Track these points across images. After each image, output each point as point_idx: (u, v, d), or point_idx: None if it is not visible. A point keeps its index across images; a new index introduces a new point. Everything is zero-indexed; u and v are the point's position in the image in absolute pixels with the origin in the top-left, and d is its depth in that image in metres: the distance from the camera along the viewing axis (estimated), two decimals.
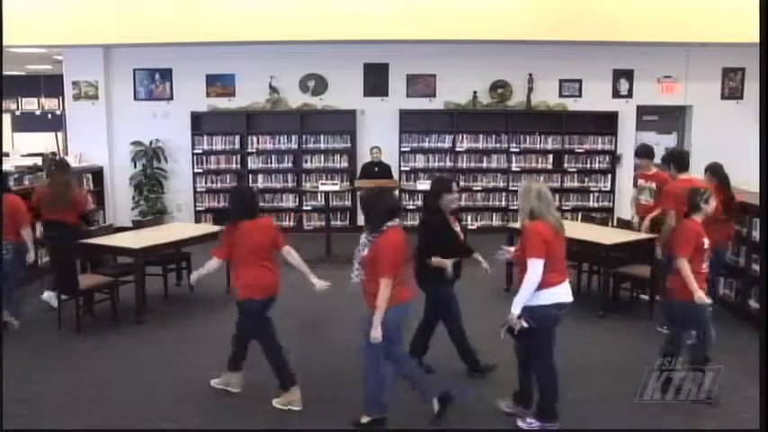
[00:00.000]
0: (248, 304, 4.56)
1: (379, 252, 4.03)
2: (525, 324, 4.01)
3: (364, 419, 4.23)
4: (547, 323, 4.08)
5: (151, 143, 10.65)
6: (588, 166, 10.64)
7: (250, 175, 10.68)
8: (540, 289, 4.01)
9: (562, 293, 4.12)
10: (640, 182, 7.03)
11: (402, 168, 10.48)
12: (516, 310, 4.01)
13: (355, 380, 4.97)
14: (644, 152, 7.06)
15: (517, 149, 10.58)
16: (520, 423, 4.29)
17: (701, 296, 4.53)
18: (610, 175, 10.60)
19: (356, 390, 4.79)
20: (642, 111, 10.80)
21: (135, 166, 10.66)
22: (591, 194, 10.69)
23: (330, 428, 4.37)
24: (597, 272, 7.11)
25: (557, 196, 10.65)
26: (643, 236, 6.53)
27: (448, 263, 4.68)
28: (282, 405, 4.53)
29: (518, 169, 10.61)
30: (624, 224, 7.45)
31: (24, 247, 6.12)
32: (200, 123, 10.66)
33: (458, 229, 4.88)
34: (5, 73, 13.38)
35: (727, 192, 5.98)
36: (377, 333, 3.97)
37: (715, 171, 6.05)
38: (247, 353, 4.74)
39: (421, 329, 5.05)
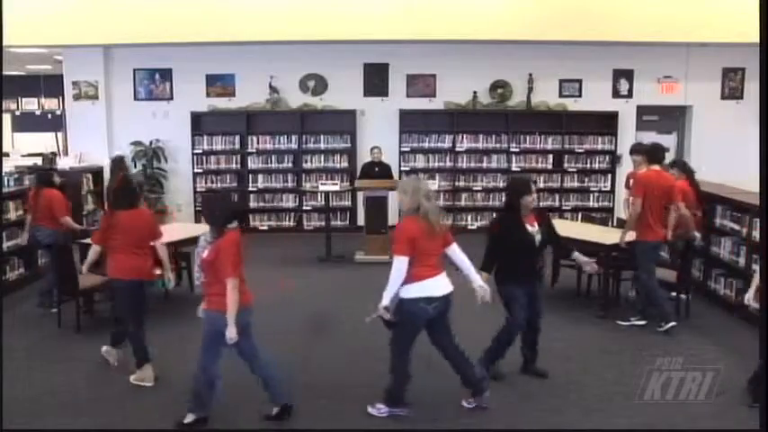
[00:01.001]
0: (115, 283, 5.01)
1: (222, 254, 4.04)
2: (389, 316, 4.23)
3: (189, 419, 4.23)
4: (412, 316, 4.26)
5: (151, 143, 10.66)
6: (588, 166, 10.64)
7: (250, 175, 10.68)
8: (410, 283, 4.24)
9: (432, 287, 4.31)
10: (632, 180, 7.01)
11: (402, 168, 10.49)
12: (384, 302, 4.21)
13: (355, 379, 4.98)
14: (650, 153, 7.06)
15: (517, 149, 10.58)
16: (370, 409, 4.42)
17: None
18: (610, 175, 10.60)
19: (356, 390, 4.80)
20: (642, 111, 10.80)
21: (135, 167, 10.65)
22: (591, 194, 10.69)
23: (330, 428, 4.36)
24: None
25: (557, 196, 10.67)
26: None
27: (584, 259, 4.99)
28: (137, 381, 4.90)
29: (518, 169, 10.61)
30: (624, 224, 7.45)
31: (68, 233, 6.70)
32: (200, 123, 10.66)
33: (534, 228, 4.78)
34: (5, 73, 13.39)
35: (695, 184, 6.61)
36: (232, 333, 4.03)
37: (682, 166, 6.71)
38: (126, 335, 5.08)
39: (523, 336, 5.02)
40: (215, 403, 4.27)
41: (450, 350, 4.48)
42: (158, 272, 5.29)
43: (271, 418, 4.32)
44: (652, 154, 6.22)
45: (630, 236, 6.12)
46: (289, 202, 10.79)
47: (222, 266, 4.01)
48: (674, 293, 6.38)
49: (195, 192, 10.67)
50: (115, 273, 4.94)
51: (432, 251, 4.37)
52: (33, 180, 7.26)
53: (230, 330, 4.02)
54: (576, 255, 4.96)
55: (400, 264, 4.25)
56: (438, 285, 4.35)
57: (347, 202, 10.64)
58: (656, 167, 6.14)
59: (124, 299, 4.94)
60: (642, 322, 6.14)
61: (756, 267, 4.54)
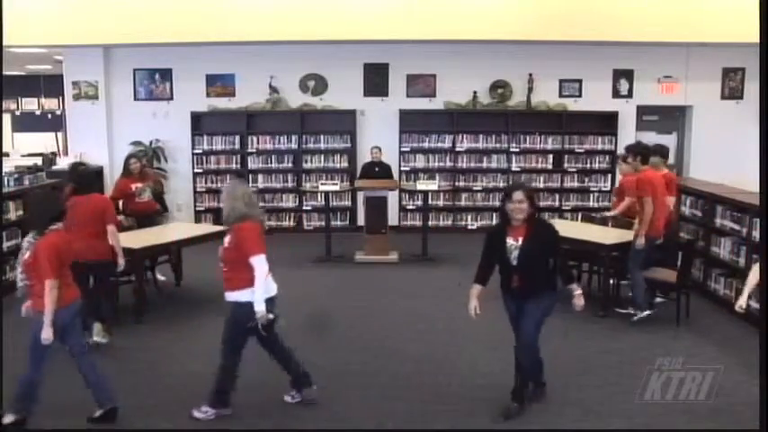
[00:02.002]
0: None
1: (39, 255, 4.04)
2: (272, 315, 4.26)
3: (8, 419, 4.23)
4: (250, 317, 4.21)
5: (151, 143, 10.66)
6: (588, 166, 10.64)
7: (250, 175, 10.68)
8: (250, 286, 4.20)
9: (271, 288, 4.36)
10: (621, 184, 7.27)
11: (402, 168, 10.49)
12: (262, 306, 4.18)
13: (355, 379, 4.98)
14: (657, 152, 7.11)
15: (517, 149, 10.58)
16: (195, 413, 4.39)
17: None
18: (610, 175, 10.59)
19: (353, 390, 4.80)
20: (642, 111, 10.80)
21: None
22: (591, 194, 10.69)
23: (329, 428, 4.36)
24: (597, 272, 7.12)
25: (557, 196, 10.66)
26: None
27: None
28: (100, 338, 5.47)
29: (518, 169, 10.61)
30: (624, 224, 7.47)
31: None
32: (200, 123, 10.66)
33: (516, 242, 4.33)
34: (5, 73, 13.40)
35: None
36: (47, 334, 4.04)
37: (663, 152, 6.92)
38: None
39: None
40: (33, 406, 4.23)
41: (275, 347, 4.51)
42: None
43: (92, 419, 4.27)
44: (645, 155, 6.36)
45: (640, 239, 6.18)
46: (289, 202, 10.79)
47: (40, 269, 4.02)
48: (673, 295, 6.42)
49: (195, 192, 10.67)
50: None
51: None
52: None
53: (46, 331, 4.04)
54: (574, 287, 4.46)
55: (264, 261, 4.27)
56: (272, 285, 4.41)
57: (347, 202, 10.64)
58: (647, 167, 6.32)
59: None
60: (647, 312, 6.18)
61: (751, 272, 4.52)
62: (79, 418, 4.31)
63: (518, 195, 4.26)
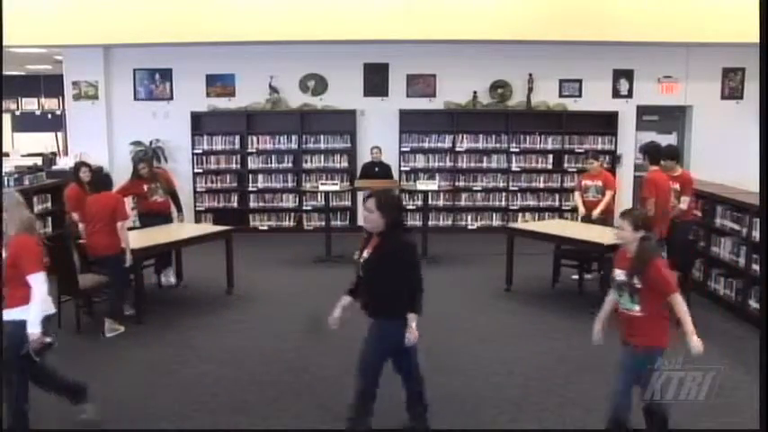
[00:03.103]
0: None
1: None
2: (48, 339, 3.91)
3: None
4: (23, 340, 3.83)
5: (151, 143, 10.66)
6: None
7: (250, 175, 10.68)
8: (23, 303, 3.83)
9: (48, 306, 4.00)
10: (585, 182, 7.70)
11: (402, 168, 10.49)
12: (37, 328, 3.83)
13: (354, 380, 4.98)
14: (668, 154, 7.15)
15: (517, 149, 10.58)
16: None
17: None
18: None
19: (353, 390, 4.80)
20: (642, 111, 10.80)
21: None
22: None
23: (329, 428, 4.36)
24: (597, 271, 7.13)
25: (556, 196, 10.66)
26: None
27: None
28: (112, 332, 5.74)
29: (518, 169, 10.62)
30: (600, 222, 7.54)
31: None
32: (200, 123, 10.66)
33: (365, 255, 3.99)
34: (5, 73, 13.40)
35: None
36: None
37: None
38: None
39: None
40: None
41: (42, 369, 4.08)
42: None
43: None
44: (652, 155, 6.41)
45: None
46: (289, 202, 10.79)
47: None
48: None
49: (195, 192, 10.67)
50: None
51: None
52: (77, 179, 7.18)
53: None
54: (411, 316, 3.90)
55: (43, 279, 3.89)
56: (50, 305, 4.06)
57: (347, 202, 10.64)
58: (656, 168, 6.36)
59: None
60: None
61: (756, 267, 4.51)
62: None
63: (369, 203, 3.89)
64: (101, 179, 6.45)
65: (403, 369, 4.16)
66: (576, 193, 8.06)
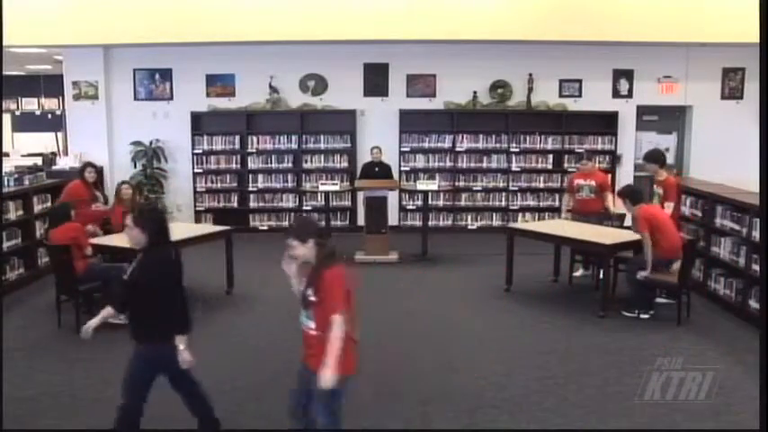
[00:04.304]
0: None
1: None
2: None
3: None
4: None
5: (151, 143, 10.66)
6: None
7: (250, 175, 10.68)
8: None
9: None
10: (578, 181, 7.76)
11: (402, 168, 10.49)
12: None
13: (354, 380, 4.98)
14: (650, 157, 7.24)
15: (517, 149, 10.58)
16: None
17: None
18: (610, 176, 10.56)
19: (353, 390, 4.80)
20: (642, 111, 10.80)
21: (135, 167, 10.66)
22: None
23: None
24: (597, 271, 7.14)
25: (556, 196, 10.66)
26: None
27: None
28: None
29: (518, 169, 10.62)
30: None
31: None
32: (200, 123, 10.66)
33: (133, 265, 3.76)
34: (5, 73, 13.39)
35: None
36: None
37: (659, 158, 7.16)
38: None
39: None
40: None
41: None
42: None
43: None
44: (634, 198, 6.47)
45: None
46: (289, 202, 10.79)
47: None
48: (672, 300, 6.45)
49: (195, 192, 10.68)
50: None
51: None
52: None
53: None
54: (179, 338, 3.65)
55: None
56: None
57: (347, 202, 10.64)
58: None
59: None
60: (646, 315, 6.27)
61: (756, 267, 4.50)
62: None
63: (128, 220, 3.67)
64: (58, 213, 6.45)
65: (181, 389, 3.87)
66: (567, 195, 8.18)
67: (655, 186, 7.05)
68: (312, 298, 3.32)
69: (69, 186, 7.45)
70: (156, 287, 3.55)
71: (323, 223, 9.67)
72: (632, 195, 6.46)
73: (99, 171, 7.47)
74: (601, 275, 7.08)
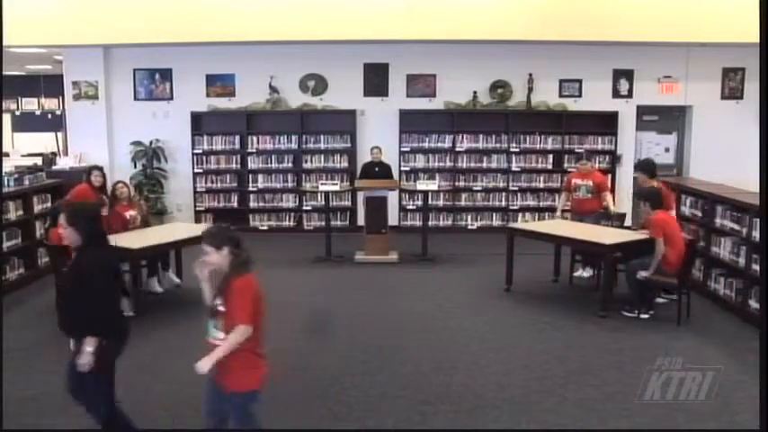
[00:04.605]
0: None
1: None
2: None
3: None
4: None
5: (151, 143, 10.66)
6: None
7: (250, 175, 10.68)
8: None
9: None
10: (575, 180, 7.83)
11: (402, 168, 10.49)
12: None
13: (354, 379, 4.98)
14: (639, 166, 7.36)
15: (517, 149, 10.58)
16: None
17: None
18: (610, 176, 10.58)
19: (353, 390, 4.81)
20: (642, 111, 10.80)
21: (135, 167, 10.66)
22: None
23: (329, 428, 4.36)
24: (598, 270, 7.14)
25: (556, 196, 10.65)
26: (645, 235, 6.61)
27: None
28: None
29: (518, 169, 10.62)
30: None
31: None
32: (200, 123, 10.66)
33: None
34: (5, 73, 13.39)
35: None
36: None
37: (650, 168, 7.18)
38: None
39: None
40: None
41: None
42: None
43: None
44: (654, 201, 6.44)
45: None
46: (289, 202, 10.79)
47: None
48: (673, 295, 6.44)
49: (195, 192, 10.68)
50: None
51: None
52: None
53: None
54: (87, 340, 3.53)
55: None
56: None
57: (347, 202, 10.64)
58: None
59: None
60: (646, 315, 6.29)
61: (756, 267, 4.50)
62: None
63: (61, 219, 3.64)
64: (59, 213, 6.41)
65: (80, 398, 3.72)
66: (564, 194, 8.19)
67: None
68: (221, 308, 3.25)
69: (76, 190, 7.39)
70: (87, 287, 3.45)
71: (322, 223, 9.70)
72: (653, 199, 6.42)
73: (105, 175, 7.43)
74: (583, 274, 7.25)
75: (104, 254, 3.60)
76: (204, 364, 3.20)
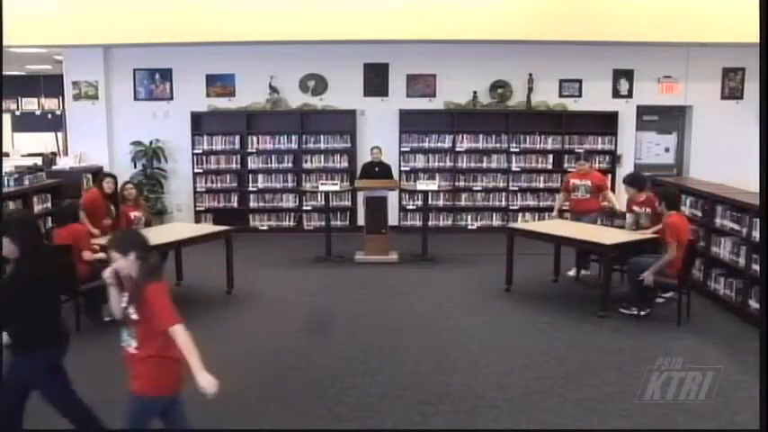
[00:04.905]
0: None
1: None
2: None
3: None
4: None
5: (151, 143, 10.66)
6: None
7: (250, 175, 10.68)
8: None
9: None
10: (574, 181, 7.85)
11: (402, 168, 10.49)
12: None
13: (354, 379, 4.99)
14: (626, 180, 7.30)
15: (517, 149, 10.58)
16: None
17: None
18: (610, 176, 10.58)
19: (353, 390, 4.81)
20: (642, 111, 10.80)
21: (135, 167, 10.66)
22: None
23: (329, 428, 4.36)
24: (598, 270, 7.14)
25: (556, 196, 10.64)
26: (646, 235, 6.61)
27: None
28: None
29: (518, 169, 10.62)
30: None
31: None
32: (200, 123, 10.66)
33: None
34: (5, 73, 13.40)
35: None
36: None
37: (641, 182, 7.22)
38: None
39: None
40: None
41: None
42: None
43: None
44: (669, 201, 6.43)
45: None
46: (289, 202, 10.79)
47: None
48: (671, 293, 6.45)
49: (195, 192, 10.68)
50: None
51: None
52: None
53: None
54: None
55: None
56: None
57: (347, 202, 10.64)
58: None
59: None
60: (644, 312, 6.31)
61: (756, 267, 4.50)
62: None
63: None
64: (65, 212, 6.45)
65: (51, 401, 3.76)
66: (562, 194, 8.21)
67: (635, 207, 7.00)
68: (134, 316, 3.19)
69: (87, 196, 7.38)
70: (23, 298, 3.41)
71: (322, 223, 9.70)
72: (670, 199, 6.42)
73: (117, 182, 7.33)
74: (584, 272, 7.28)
75: (39, 265, 3.50)
76: (206, 383, 3.13)
